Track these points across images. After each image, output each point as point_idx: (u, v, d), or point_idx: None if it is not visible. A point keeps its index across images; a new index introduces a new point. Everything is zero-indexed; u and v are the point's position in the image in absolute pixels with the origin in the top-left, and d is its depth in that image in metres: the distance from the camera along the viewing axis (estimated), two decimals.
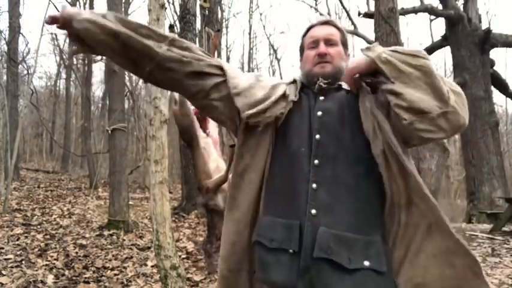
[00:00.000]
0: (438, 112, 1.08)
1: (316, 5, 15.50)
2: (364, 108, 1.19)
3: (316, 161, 1.18)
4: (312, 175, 1.17)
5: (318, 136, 1.21)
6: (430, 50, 11.07)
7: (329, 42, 1.32)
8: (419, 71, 1.09)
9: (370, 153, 1.16)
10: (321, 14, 14.24)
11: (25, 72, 14.57)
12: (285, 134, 1.25)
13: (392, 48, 1.15)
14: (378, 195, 1.17)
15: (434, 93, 1.08)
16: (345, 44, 1.37)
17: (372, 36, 9.49)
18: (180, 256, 3.94)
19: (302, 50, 1.40)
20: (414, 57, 1.11)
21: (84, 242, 5.34)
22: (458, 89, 1.15)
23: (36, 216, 6.68)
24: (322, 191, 1.15)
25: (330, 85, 1.29)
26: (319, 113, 1.24)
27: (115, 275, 4.17)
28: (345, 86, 1.30)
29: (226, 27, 19.93)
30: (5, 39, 11.13)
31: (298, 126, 1.25)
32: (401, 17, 8.43)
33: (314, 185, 1.16)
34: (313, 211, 1.14)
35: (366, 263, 1.11)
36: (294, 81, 1.34)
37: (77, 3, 15.54)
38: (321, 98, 1.28)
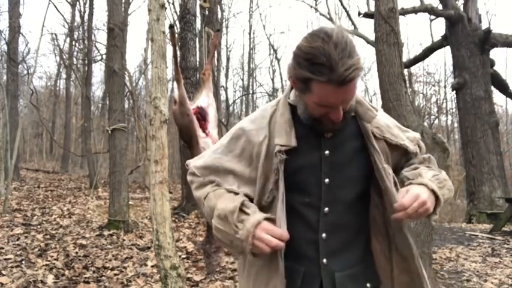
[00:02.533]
0: None
1: (316, 5, 15.51)
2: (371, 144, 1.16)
3: (326, 209, 1.14)
4: (322, 224, 1.15)
5: (327, 180, 1.13)
6: (430, 50, 11.07)
7: (346, 103, 1.07)
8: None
9: (369, 184, 1.18)
10: (321, 14, 14.23)
11: (25, 72, 14.61)
12: (290, 178, 1.14)
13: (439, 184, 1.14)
14: (367, 220, 1.22)
15: None
16: None
17: (372, 36, 9.49)
18: (180, 256, 3.94)
19: (303, 85, 1.04)
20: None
21: (84, 242, 5.34)
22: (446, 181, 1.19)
23: (36, 216, 6.68)
24: (332, 239, 1.15)
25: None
26: (327, 152, 1.13)
27: (115, 275, 4.17)
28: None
29: (226, 27, 19.95)
30: (5, 39, 11.14)
31: (303, 168, 1.14)
32: (401, 17, 8.44)
33: (324, 235, 1.15)
34: (325, 260, 1.15)
35: (368, 285, 1.18)
36: (284, 105, 1.18)
37: (77, 3, 15.55)
38: (328, 135, 1.14)
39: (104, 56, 10.42)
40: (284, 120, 1.15)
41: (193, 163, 1.30)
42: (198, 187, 1.26)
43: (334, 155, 1.14)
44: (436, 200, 1.11)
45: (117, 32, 6.58)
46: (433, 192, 1.10)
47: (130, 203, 6.89)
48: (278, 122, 1.15)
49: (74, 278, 4.02)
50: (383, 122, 1.19)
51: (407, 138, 1.24)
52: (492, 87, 9.67)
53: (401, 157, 1.25)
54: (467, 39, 9.28)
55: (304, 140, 1.13)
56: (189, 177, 1.30)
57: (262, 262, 1.15)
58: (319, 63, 0.96)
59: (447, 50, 10.77)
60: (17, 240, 5.18)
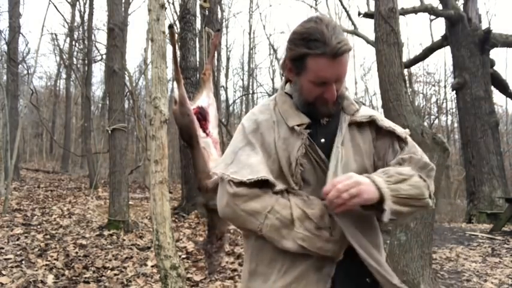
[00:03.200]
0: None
1: (316, 5, 15.52)
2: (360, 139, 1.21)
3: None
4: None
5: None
6: (430, 50, 11.07)
7: (340, 80, 1.15)
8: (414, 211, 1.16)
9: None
10: (321, 14, 14.22)
11: (25, 72, 14.59)
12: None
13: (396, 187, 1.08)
14: None
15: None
16: None
17: (371, 36, 9.49)
18: (180, 256, 3.94)
19: (299, 67, 1.14)
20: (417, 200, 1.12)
21: (84, 242, 5.34)
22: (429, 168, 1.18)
23: (36, 216, 6.68)
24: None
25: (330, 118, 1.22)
26: (322, 140, 1.18)
27: (115, 275, 4.17)
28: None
29: (226, 27, 19.95)
30: (5, 39, 11.14)
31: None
32: (401, 17, 8.44)
33: None
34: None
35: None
36: (284, 97, 1.24)
37: (77, 3, 15.55)
38: (323, 122, 1.20)
39: (104, 56, 10.42)
40: (288, 106, 1.21)
41: (232, 175, 1.14)
42: (250, 198, 1.12)
43: (328, 142, 1.17)
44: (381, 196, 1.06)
45: (117, 32, 6.58)
46: (375, 183, 1.05)
47: (130, 203, 6.89)
48: (282, 108, 1.21)
49: (74, 278, 4.02)
50: (365, 113, 1.24)
51: (397, 128, 1.25)
52: (492, 87, 9.67)
53: (389, 148, 1.22)
54: (467, 39, 9.28)
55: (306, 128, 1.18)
56: (230, 190, 1.13)
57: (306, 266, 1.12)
58: (314, 39, 1.07)
59: (447, 50, 10.78)
60: (17, 240, 5.18)
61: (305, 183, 1.15)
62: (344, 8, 13.16)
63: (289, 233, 1.08)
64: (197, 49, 8.31)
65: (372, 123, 1.23)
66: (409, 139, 1.24)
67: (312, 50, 1.08)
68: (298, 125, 1.16)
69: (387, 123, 1.25)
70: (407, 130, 1.28)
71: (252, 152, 1.17)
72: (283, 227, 1.09)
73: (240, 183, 1.11)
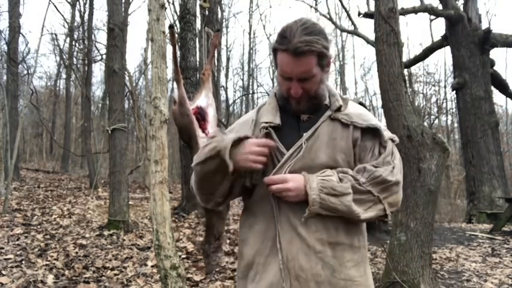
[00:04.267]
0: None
1: (316, 5, 15.49)
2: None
3: None
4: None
5: None
6: (430, 50, 11.07)
7: (304, 79, 1.20)
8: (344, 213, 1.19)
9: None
10: (321, 14, 14.23)
11: (25, 72, 14.59)
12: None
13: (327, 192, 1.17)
14: None
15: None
16: (323, 59, 1.21)
17: (372, 36, 9.49)
18: (180, 256, 3.93)
19: (274, 55, 1.25)
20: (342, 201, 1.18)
21: (84, 242, 5.34)
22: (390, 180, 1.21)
23: (36, 216, 6.68)
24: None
25: (311, 116, 1.29)
26: (304, 134, 1.26)
27: (115, 275, 4.17)
28: (326, 101, 1.31)
29: (226, 27, 19.99)
30: (5, 39, 11.14)
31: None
32: (401, 17, 8.43)
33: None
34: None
35: None
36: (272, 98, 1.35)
37: (77, 3, 15.55)
38: (304, 118, 1.29)
39: (104, 56, 10.43)
40: (271, 107, 1.32)
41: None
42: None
43: (309, 138, 1.25)
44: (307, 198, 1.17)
45: (117, 32, 6.58)
46: (306, 188, 1.16)
47: (130, 203, 6.89)
48: (265, 108, 1.33)
49: (74, 278, 4.02)
50: (354, 111, 1.29)
51: (383, 130, 1.27)
52: (492, 87, 9.67)
53: (369, 151, 1.26)
54: (467, 39, 9.28)
55: (287, 123, 1.28)
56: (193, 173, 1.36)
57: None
58: (283, 36, 1.18)
59: (447, 50, 10.77)
60: (17, 240, 5.18)
61: (264, 171, 1.25)
62: (344, 8, 13.16)
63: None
64: (197, 49, 8.31)
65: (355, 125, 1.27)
66: (389, 145, 1.26)
67: (279, 46, 1.19)
68: (266, 122, 1.26)
69: (372, 122, 1.27)
70: (394, 136, 1.30)
71: None
72: (196, 164, 1.30)
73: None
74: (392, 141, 1.28)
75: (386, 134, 1.27)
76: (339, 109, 1.27)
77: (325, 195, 1.16)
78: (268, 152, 1.21)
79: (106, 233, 5.88)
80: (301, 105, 1.25)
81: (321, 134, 1.24)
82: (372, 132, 1.26)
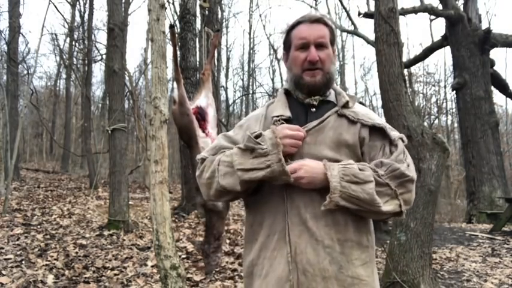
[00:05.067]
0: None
1: (316, 5, 15.51)
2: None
3: None
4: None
5: None
6: (430, 50, 11.07)
7: (320, 46, 1.28)
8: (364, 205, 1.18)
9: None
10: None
11: (25, 72, 14.58)
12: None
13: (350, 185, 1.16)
14: None
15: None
16: (333, 43, 1.32)
17: (372, 36, 9.49)
18: (180, 256, 3.94)
19: (288, 45, 1.34)
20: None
21: (84, 242, 5.34)
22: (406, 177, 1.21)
23: (36, 216, 6.68)
24: None
25: (320, 98, 1.31)
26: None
27: (115, 275, 4.17)
28: (332, 98, 1.33)
29: (226, 27, 19.99)
30: (5, 39, 11.13)
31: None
32: (401, 17, 8.43)
33: None
34: None
35: None
36: (279, 94, 1.38)
37: (77, 3, 15.55)
38: (313, 110, 1.31)
39: (104, 56, 10.42)
40: (281, 102, 1.35)
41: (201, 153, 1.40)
42: (209, 164, 1.31)
43: (313, 129, 1.28)
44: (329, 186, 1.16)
45: (117, 32, 6.58)
46: (327, 175, 1.16)
47: (130, 203, 6.89)
48: (275, 104, 1.36)
49: (74, 278, 4.02)
50: (362, 110, 1.32)
51: (389, 128, 1.28)
52: (492, 87, 9.67)
53: (379, 150, 1.26)
54: (467, 39, 9.28)
55: (295, 117, 1.30)
56: (198, 165, 1.36)
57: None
58: (296, 21, 1.32)
59: (447, 50, 10.77)
60: (17, 240, 5.18)
61: None
62: (344, 8, 13.17)
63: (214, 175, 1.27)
64: (197, 49, 8.31)
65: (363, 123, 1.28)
66: (400, 144, 1.26)
67: (293, 25, 1.32)
68: (277, 116, 1.29)
69: (378, 121, 1.28)
70: (402, 135, 1.30)
71: (228, 138, 1.36)
72: (230, 167, 1.24)
73: (202, 158, 1.35)
74: (402, 140, 1.28)
75: (395, 133, 1.28)
76: (346, 105, 1.29)
77: (346, 183, 1.14)
78: (302, 136, 1.22)
79: (106, 233, 5.87)
80: (316, 79, 1.28)
81: (326, 128, 1.25)
82: (379, 131, 1.27)
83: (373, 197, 1.14)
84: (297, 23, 1.31)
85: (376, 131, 1.27)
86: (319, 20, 1.29)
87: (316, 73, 1.28)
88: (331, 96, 1.34)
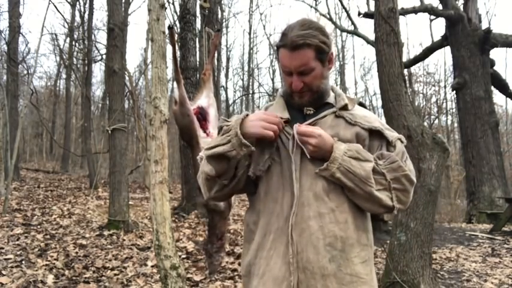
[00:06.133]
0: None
1: (316, 5, 15.51)
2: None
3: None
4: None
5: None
6: (430, 50, 11.07)
7: (303, 73, 1.24)
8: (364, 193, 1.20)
9: None
10: (321, 14, 14.23)
11: (25, 72, 14.57)
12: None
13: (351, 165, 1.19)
14: None
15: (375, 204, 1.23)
16: (323, 58, 1.24)
17: (372, 36, 9.49)
18: (180, 256, 3.94)
19: (277, 52, 1.32)
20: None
21: (84, 242, 5.34)
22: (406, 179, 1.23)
23: (36, 216, 6.68)
24: None
25: (316, 107, 1.32)
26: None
27: (115, 275, 4.17)
28: (331, 100, 1.33)
29: (226, 27, 19.98)
30: (5, 39, 11.13)
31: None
32: (401, 17, 8.44)
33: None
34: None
35: None
36: (279, 97, 1.39)
37: (77, 3, 15.56)
38: (310, 112, 1.32)
39: (104, 56, 10.42)
40: (279, 105, 1.35)
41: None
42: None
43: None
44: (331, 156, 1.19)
45: (117, 32, 6.58)
46: (333, 147, 1.19)
47: (130, 203, 6.89)
48: (273, 107, 1.37)
49: (74, 278, 4.02)
50: (360, 113, 1.32)
51: (387, 129, 1.30)
52: (492, 87, 9.67)
53: (377, 150, 1.28)
54: (467, 39, 9.28)
55: (293, 118, 1.30)
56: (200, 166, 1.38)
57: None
58: (283, 33, 1.24)
59: (447, 50, 10.77)
60: (17, 240, 5.18)
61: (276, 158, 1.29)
62: (344, 8, 13.17)
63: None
64: (197, 49, 8.31)
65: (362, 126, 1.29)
66: (399, 145, 1.28)
67: (279, 42, 1.25)
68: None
69: (376, 124, 1.30)
70: (401, 136, 1.32)
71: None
72: (207, 155, 1.27)
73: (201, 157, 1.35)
74: (401, 141, 1.30)
75: (392, 134, 1.29)
76: (344, 108, 1.30)
77: (347, 158, 1.18)
78: (279, 122, 1.23)
79: (106, 233, 5.87)
80: (304, 100, 1.29)
81: (324, 127, 1.26)
82: (377, 133, 1.29)
83: (369, 174, 1.18)
84: (281, 45, 1.24)
85: (375, 133, 1.29)
86: (300, 46, 1.19)
87: (304, 95, 1.28)
88: (331, 98, 1.34)
